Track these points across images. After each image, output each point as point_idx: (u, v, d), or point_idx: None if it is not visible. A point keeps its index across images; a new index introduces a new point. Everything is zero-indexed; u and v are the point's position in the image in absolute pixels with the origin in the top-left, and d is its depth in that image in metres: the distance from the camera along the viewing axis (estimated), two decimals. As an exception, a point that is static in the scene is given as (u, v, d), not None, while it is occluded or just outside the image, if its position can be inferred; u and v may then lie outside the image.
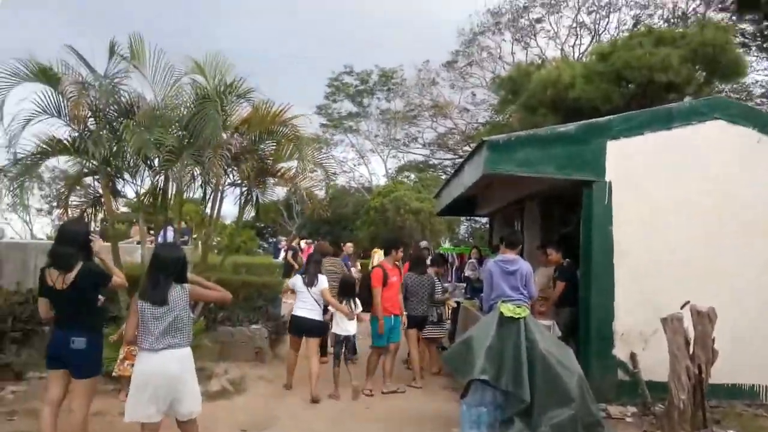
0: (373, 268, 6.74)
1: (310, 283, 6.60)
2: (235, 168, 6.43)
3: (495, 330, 5.29)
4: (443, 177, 31.20)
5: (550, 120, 10.30)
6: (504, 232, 10.59)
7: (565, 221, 9.60)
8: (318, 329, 6.67)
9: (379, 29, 49.03)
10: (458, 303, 9.21)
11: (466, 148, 35.08)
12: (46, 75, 5.89)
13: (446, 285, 9.74)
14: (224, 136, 5.69)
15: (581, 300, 6.63)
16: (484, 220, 32.35)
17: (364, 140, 35.16)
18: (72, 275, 3.64)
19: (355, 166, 35.23)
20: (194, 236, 20.84)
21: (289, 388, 6.79)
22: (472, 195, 10.87)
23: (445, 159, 36.49)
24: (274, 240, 22.68)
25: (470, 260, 10.18)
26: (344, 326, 6.65)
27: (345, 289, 6.85)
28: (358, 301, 6.81)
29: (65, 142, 5.66)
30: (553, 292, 7.33)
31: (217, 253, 26.28)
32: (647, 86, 10.23)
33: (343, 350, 6.66)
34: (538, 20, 30.69)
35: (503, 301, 5.84)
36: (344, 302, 6.70)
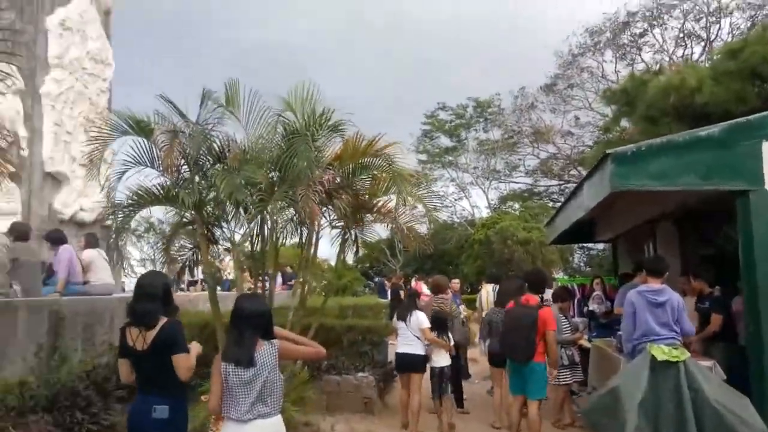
0: (541, 307, 5.96)
1: (401, 317, 6.78)
2: (330, 206, 6.00)
3: (647, 378, 4.33)
4: (551, 205, 29.63)
5: (676, 129, 9.12)
6: (642, 258, 9.45)
7: (707, 241, 8.28)
8: (420, 364, 6.70)
9: (473, 61, 48.63)
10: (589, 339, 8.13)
11: (573, 172, 33.28)
12: (140, 126, 5.86)
13: (576, 320, 8.68)
14: (317, 172, 5.26)
15: (749, 334, 5.41)
16: (601, 246, 30.43)
17: (463, 174, 34.51)
18: (153, 333, 3.27)
19: (455, 200, 34.44)
20: (299, 280, 21.11)
21: (406, 426, 6.74)
22: (589, 219, 9.79)
23: (550, 185, 34.82)
24: (379, 279, 22.33)
25: (595, 293, 9.03)
26: (436, 359, 6.74)
27: (437, 324, 6.83)
28: (450, 335, 6.98)
29: (157, 190, 5.51)
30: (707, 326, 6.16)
31: (324, 296, 26.51)
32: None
33: (442, 384, 6.71)
34: (641, 35, 28.89)
35: (653, 341, 4.88)
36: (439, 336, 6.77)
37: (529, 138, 33.02)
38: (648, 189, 5.56)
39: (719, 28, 25.81)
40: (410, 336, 6.66)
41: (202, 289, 13.23)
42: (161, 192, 5.54)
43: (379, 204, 6.42)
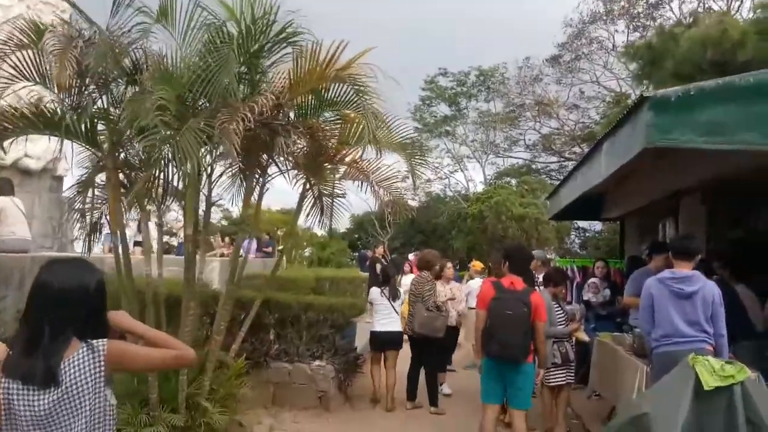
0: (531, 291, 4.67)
1: (392, 296, 6.55)
2: (281, 153, 4.61)
3: (690, 407, 3.03)
4: (549, 182, 28.31)
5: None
6: (655, 239, 8.15)
7: (736, 222, 6.97)
8: (398, 341, 6.58)
9: (482, 29, 46.59)
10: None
11: (575, 149, 31.89)
12: (37, 33, 4.42)
13: (570, 308, 7.38)
14: (260, 99, 3.84)
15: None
16: (598, 227, 29.19)
17: (460, 145, 33.00)
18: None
19: (450, 172, 33.00)
20: (279, 248, 19.78)
21: (377, 401, 6.51)
22: (598, 193, 8.45)
23: (550, 162, 33.43)
24: (361, 251, 21.11)
25: (591, 280, 7.67)
26: None
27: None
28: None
29: (35, 114, 4.08)
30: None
31: (308, 266, 25.25)
32: None
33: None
34: (656, 5, 27.15)
35: (677, 344, 3.66)
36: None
37: (531, 111, 31.51)
38: (695, 146, 4.18)
39: (740, 3, 24.21)
40: (392, 312, 6.49)
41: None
42: (43, 116, 4.11)
43: (349, 155, 5.03)
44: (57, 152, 6.20)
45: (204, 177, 4.44)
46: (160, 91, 3.73)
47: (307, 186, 5.38)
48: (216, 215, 41.30)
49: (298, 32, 4.00)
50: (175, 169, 4.39)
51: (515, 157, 33.72)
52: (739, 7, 23.92)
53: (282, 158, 4.73)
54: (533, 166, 32.65)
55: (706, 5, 25.01)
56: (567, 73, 30.41)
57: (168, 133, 3.53)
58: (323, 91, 4.61)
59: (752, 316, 4.89)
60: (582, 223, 28.97)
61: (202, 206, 4.85)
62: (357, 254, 27.23)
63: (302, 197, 5.36)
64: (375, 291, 6.72)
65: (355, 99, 4.39)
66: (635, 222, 9.51)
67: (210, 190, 4.62)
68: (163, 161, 4.10)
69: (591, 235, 26.23)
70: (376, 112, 4.50)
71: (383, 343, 6.44)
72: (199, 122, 3.54)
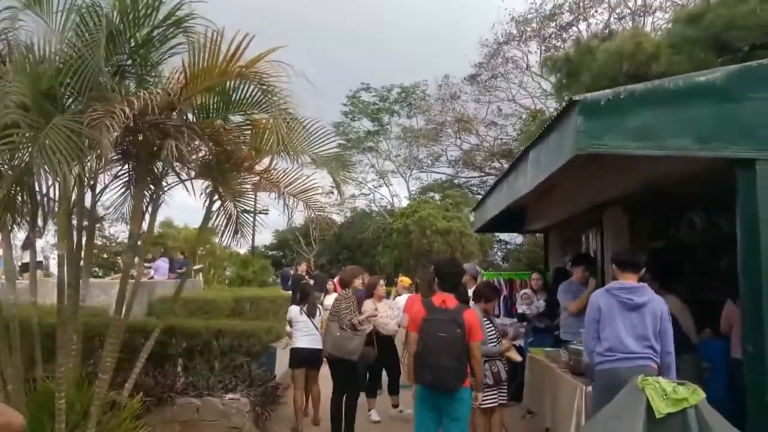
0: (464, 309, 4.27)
1: (311, 313, 6.40)
2: (175, 158, 4.01)
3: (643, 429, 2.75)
4: (470, 196, 28.70)
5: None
6: (579, 251, 8.11)
7: (658, 232, 7.02)
8: (320, 358, 6.29)
9: (401, 46, 47.11)
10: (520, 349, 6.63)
11: (495, 164, 32.65)
12: None
13: (501, 322, 7.15)
14: (149, 94, 3.26)
15: (747, 355, 4.01)
16: (519, 240, 29.87)
17: (384, 161, 32.95)
18: None
19: (375, 187, 32.86)
20: (196, 267, 18.67)
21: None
22: (521, 205, 8.38)
23: (471, 177, 34.06)
24: (285, 269, 20.33)
25: (523, 291, 7.51)
26: None
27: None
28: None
29: None
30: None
31: (228, 285, 24.02)
32: (758, 51, 7.76)
33: None
34: (566, 27, 28.43)
35: (622, 360, 3.46)
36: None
37: (452, 128, 32.02)
38: (626, 152, 4.02)
39: (643, 26, 25.71)
40: (313, 329, 6.31)
41: (45, 275, 10.63)
42: None
43: (258, 163, 4.51)
44: None
45: (85, 187, 3.77)
46: (19, 86, 3.07)
47: (215, 198, 4.79)
48: (125, 232, 38.99)
49: (191, 16, 3.46)
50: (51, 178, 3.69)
51: (438, 173, 34.12)
52: (642, 25, 25.56)
53: (181, 166, 4.12)
54: (455, 181, 33.08)
55: (613, 26, 26.55)
56: (485, 91, 31.23)
57: (29, 134, 2.89)
58: (230, 91, 4.08)
59: (684, 327, 4.78)
60: (503, 236, 29.58)
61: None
62: (282, 271, 26.29)
63: (208, 211, 4.77)
64: (294, 309, 6.53)
65: (265, 101, 3.89)
66: (558, 234, 9.53)
67: (94, 203, 3.95)
68: (27, 168, 3.41)
69: (513, 248, 26.75)
70: (287, 115, 4.02)
71: (304, 359, 6.23)
72: (69, 120, 2.91)
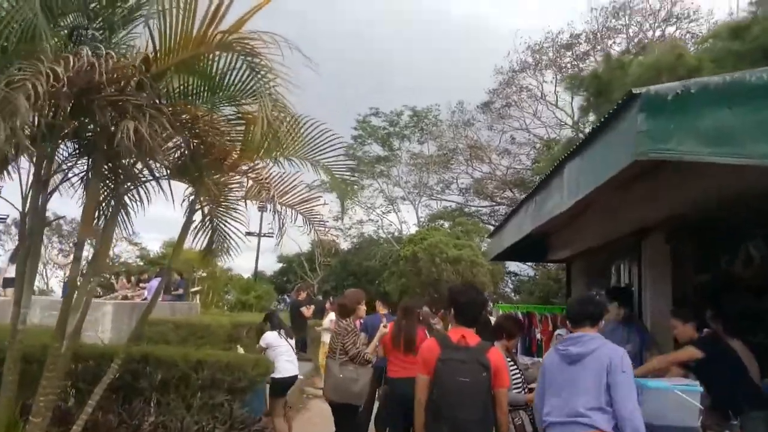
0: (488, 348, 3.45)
1: (289, 335, 6.54)
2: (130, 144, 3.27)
3: None
4: (483, 226, 27.89)
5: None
6: (602, 283, 7.34)
7: (706, 264, 6.19)
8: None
9: (417, 73, 46.89)
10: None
11: (507, 194, 31.92)
12: None
13: (525, 362, 6.26)
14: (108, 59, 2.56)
15: None
16: (530, 272, 28.89)
17: (393, 186, 32.30)
18: None
19: (384, 213, 32.14)
20: (194, 289, 17.88)
21: None
22: (542, 233, 7.61)
23: (481, 206, 33.32)
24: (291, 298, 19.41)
25: (559, 331, 6.57)
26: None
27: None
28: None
29: None
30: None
31: (229, 310, 23.15)
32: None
33: None
34: (583, 57, 27.98)
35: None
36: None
37: (464, 155, 31.42)
38: (698, 159, 3.25)
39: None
40: (292, 353, 6.44)
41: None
42: None
43: (244, 161, 3.78)
44: None
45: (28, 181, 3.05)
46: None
47: (197, 207, 4.05)
48: (128, 252, 38.30)
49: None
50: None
51: (448, 200, 33.42)
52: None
53: (154, 163, 3.39)
54: (465, 210, 32.33)
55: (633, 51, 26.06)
56: (498, 119, 30.76)
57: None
58: (215, 74, 3.37)
59: (755, 378, 3.94)
60: (513, 267, 28.69)
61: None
62: (287, 300, 25.24)
63: (188, 222, 4.02)
64: (271, 335, 6.41)
65: (254, 84, 3.17)
66: (583, 264, 8.69)
67: (43, 204, 3.21)
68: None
69: (525, 279, 25.79)
70: (279, 107, 3.30)
71: (288, 387, 6.27)
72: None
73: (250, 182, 3.95)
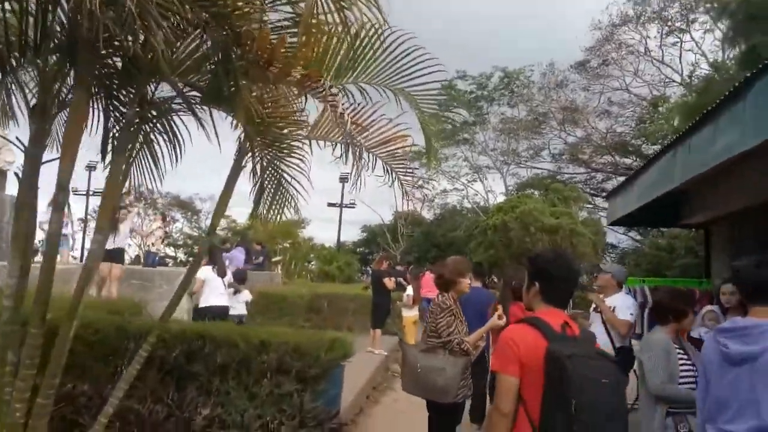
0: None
1: (221, 274, 7.50)
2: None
3: None
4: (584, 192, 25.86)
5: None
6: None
7: None
8: (225, 315, 7.12)
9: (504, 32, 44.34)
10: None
11: (604, 159, 29.44)
12: None
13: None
14: None
15: None
16: (627, 242, 26.56)
17: (479, 154, 30.62)
18: None
19: (469, 182, 30.66)
20: (274, 259, 17.53)
21: None
22: (679, 192, 6.12)
23: (576, 173, 30.96)
24: (368, 267, 18.63)
25: (709, 307, 5.17)
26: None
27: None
28: None
29: None
30: None
31: (312, 280, 22.85)
32: None
33: None
34: (692, 8, 24.76)
35: None
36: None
37: (557, 118, 29.16)
38: None
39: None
40: (223, 288, 7.26)
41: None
42: None
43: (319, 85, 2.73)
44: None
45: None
46: None
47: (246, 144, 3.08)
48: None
49: None
50: None
51: (538, 168, 31.36)
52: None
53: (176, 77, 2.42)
54: (558, 177, 30.18)
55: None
56: (594, 79, 28.24)
57: None
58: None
59: None
60: (610, 238, 26.52)
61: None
62: (369, 270, 24.51)
63: (235, 167, 3.06)
64: (207, 269, 7.29)
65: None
66: (728, 230, 7.08)
67: (38, 130, 2.33)
68: None
69: (628, 250, 23.61)
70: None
71: (215, 317, 6.75)
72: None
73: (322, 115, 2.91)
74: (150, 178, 3.07)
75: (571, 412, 2.02)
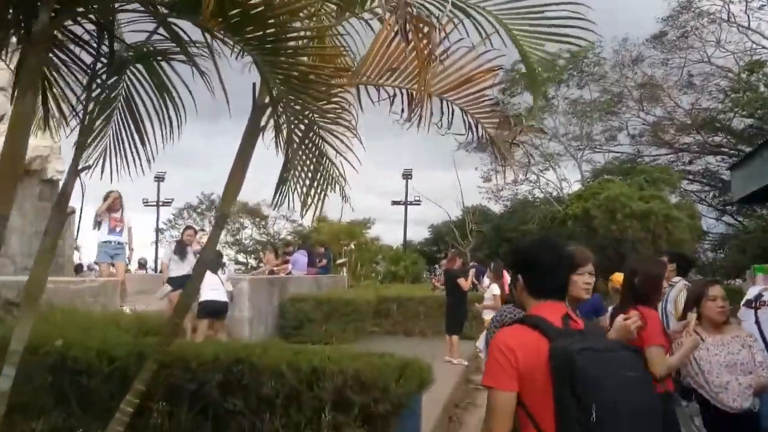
0: None
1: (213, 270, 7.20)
2: None
3: None
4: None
5: None
6: None
7: None
8: (225, 309, 7.48)
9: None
10: None
11: (690, 138, 26.97)
12: None
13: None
14: None
15: None
16: (718, 228, 24.02)
17: (549, 140, 28.76)
18: None
19: (540, 170, 28.88)
20: (339, 261, 16.70)
21: None
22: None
23: (658, 156, 28.56)
24: (435, 266, 17.45)
25: None
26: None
27: None
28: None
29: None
30: None
31: (380, 282, 21.96)
32: None
33: None
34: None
35: None
36: None
37: (633, 97, 26.93)
38: None
39: None
40: (217, 281, 7.29)
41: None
42: None
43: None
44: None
45: None
46: None
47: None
48: (286, 229, 39.17)
49: None
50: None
51: (616, 152, 29.15)
52: None
53: None
54: (639, 161, 27.90)
55: None
56: (673, 51, 25.92)
57: None
58: None
59: None
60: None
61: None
62: (437, 269, 23.23)
63: (255, 124, 2.08)
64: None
65: None
66: None
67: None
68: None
69: (729, 234, 21.25)
70: None
71: (211, 310, 7.28)
72: None
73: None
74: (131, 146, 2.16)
75: (590, 416, 1.65)
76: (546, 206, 27.78)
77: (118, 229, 8.31)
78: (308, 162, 2.58)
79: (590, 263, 2.89)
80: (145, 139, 2.18)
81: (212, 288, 7.08)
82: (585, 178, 27.94)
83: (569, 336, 1.83)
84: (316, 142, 2.62)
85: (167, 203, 30.41)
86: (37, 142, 8.66)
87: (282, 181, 2.34)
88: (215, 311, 7.28)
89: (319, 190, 2.70)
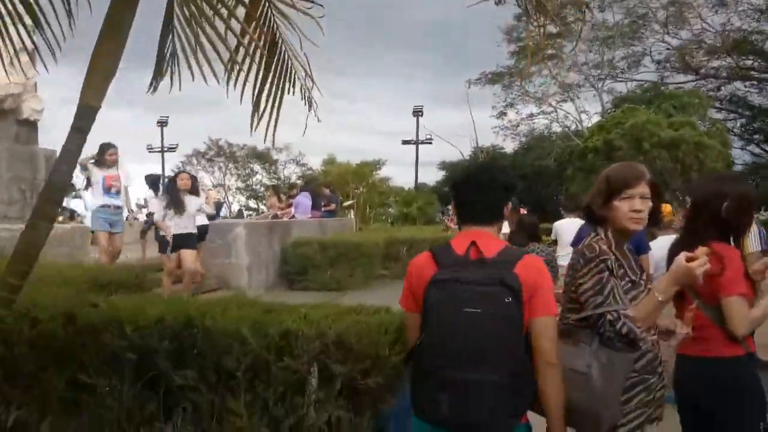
0: None
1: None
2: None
3: None
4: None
5: None
6: None
7: None
8: (193, 240, 7.23)
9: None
10: None
11: (716, 63, 25.29)
12: None
13: None
14: None
15: None
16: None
17: (568, 70, 27.17)
18: None
19: (558, 102, 27.51)
20: (346, 204, 15.95)
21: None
22: None
23: (684, 82, 26.90)
24: (448, 206, 16.70)
25: None
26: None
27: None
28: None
29: None
30: None
31: (392, 224, 21.28)
32: None
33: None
34: None
35: None
36: None
37: (658, 20, 25.09)
38: None
39: None
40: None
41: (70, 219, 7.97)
42: None
43: None
44: None
45: None
46: None
47: None
48: (291, 168, 38.37)
49: None
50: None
51: (638, 80, 27.53)
52: None
53: None
54: (663, 89, 26.35)
55: None
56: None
57: None
58: None
59: None
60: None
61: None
62: (449, 210, 22.47)
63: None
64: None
65: None
66: None
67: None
68: None
69: (758, 163, 20.05)
70: None
71: (181, 243, 7.00)
72: None
73: None
74: None
75: (422, 346, 1.77)
76: (563, 140, 26.61)
77: (114, 190, 7.23)
78: (257, 48, 1.77)
79: (642, 183, 2.06)
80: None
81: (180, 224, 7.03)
82: (606, 109, 26.54)
83: (458, 265, 1.84)
84: (269, 20, 1.80)
85: (172, 149, 29.63)
86: (4, 79, 7.85)
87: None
88: (177, 246, 7.04)
89: (273, 90, 1.89)
